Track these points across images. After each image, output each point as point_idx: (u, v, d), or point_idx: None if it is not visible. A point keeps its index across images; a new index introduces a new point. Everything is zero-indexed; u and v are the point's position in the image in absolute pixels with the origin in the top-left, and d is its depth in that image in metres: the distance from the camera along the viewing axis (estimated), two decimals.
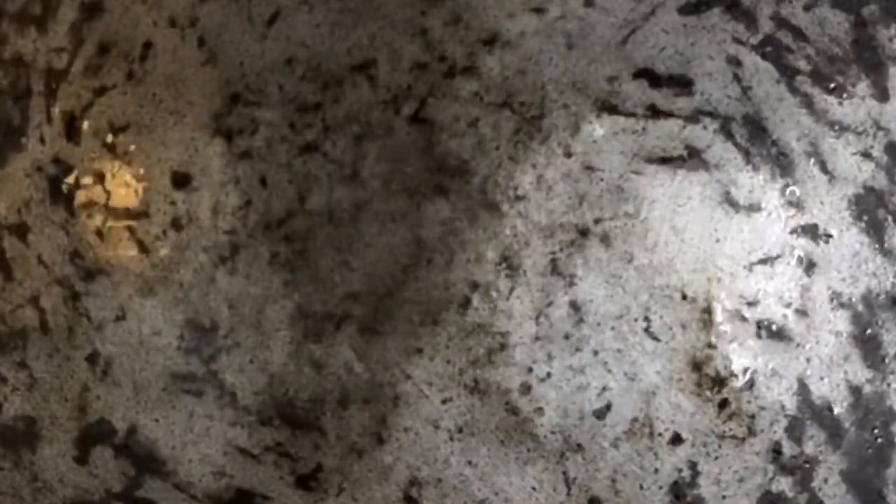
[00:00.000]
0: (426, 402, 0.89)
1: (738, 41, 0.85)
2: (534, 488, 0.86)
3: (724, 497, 0.83)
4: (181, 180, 0.89)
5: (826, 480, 0.80)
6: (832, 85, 0.81)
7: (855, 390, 0.80)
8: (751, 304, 0.85)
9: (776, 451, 0.82)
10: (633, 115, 0.89)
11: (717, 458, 0.84)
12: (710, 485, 0.83)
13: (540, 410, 0.88)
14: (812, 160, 0.83)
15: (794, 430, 0.82)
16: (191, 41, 0.88)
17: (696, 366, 0.86)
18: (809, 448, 0.81)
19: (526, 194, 0.91)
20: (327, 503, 0.86)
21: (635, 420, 0.86)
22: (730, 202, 0.87)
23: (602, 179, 0.90)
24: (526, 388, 0.89)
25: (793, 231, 0.84)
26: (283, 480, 0.86)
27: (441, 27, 0.91)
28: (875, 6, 0.78)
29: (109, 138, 0.86)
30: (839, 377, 0.81)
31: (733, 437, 0.84)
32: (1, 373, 0.78)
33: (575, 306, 0.89)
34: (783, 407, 0.83)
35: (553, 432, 0.87)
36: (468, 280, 0.91)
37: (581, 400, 0.88)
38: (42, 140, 0.81)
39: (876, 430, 0.78)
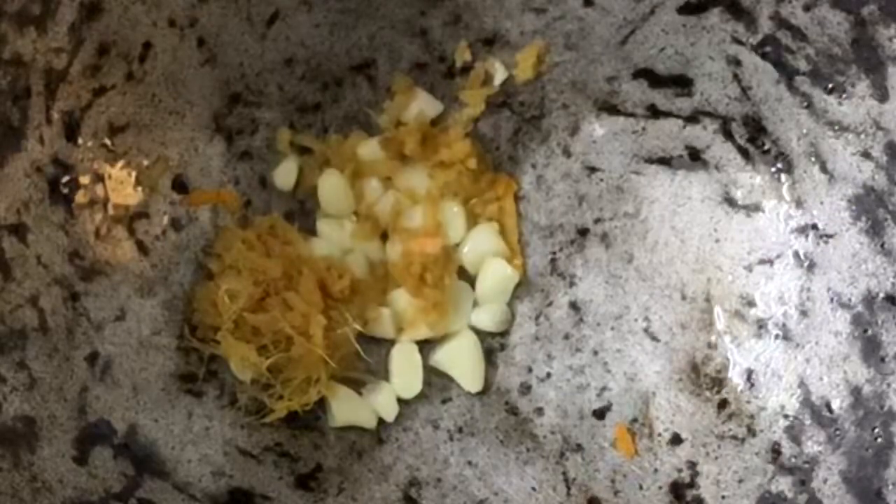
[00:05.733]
0: (426, 401, 0.89)
1: (737, 41, 0.85)
2: (533, 488, 0.86)
3: (723, 497, 0.83)
4: (181, 180, 0.89)
5: (826, 480, 0.80)
6: (832, 85, 0.81)
7: (855, 390, 0.80)
8: (751, 304, 0.85)
9: (776, 451, 0.82)
10: (633, 115, 0.89)
11: (716, 458, 0.84)
12: (710, 485, 0.83)
13: (540, 410, 0.88)
14: (812, 160, 0.83)
15: (794, 430, 0.82)
16: (190, 41, 0.88)
17: (696, 366, 0.86)
18: (809, 448, 0.81)
19: (526, 194, 0.91)
20: (327, 503, 0.86)
21: (635, 420, 0.86)
22: (730, 202, 0.87)
23: (602, 179, 0.90)
24: (526, 388, 0.89)
25: (793, 231, 0.84)
26: (282, 480, 0.86)
27: (441, 27, 0.91)
28: (875, 6, 0.78)
29: (109, 138, 0.86)
30: (839, 377, 0.81)
31: (733, 437, 0.84)
32: (0, 373, 0.78)
33: (575, 306, 0.89)
34: (783, 407, 0.83)
35: (553, 432, 0.87)
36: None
37: (581, 400, 0.88)
38: (41, 140, 0.81)
39: (876, 430, 0.78)
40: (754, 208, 0.86)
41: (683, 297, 0.87)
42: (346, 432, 0.88)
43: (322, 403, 0.87)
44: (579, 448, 0.87)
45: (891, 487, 0.77)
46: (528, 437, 0.88)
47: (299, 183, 0.91)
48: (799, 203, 0.84)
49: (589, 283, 0.89)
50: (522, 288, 0.90)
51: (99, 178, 0.86)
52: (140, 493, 0.82)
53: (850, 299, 0.81)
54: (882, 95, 0.79)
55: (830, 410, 0.81)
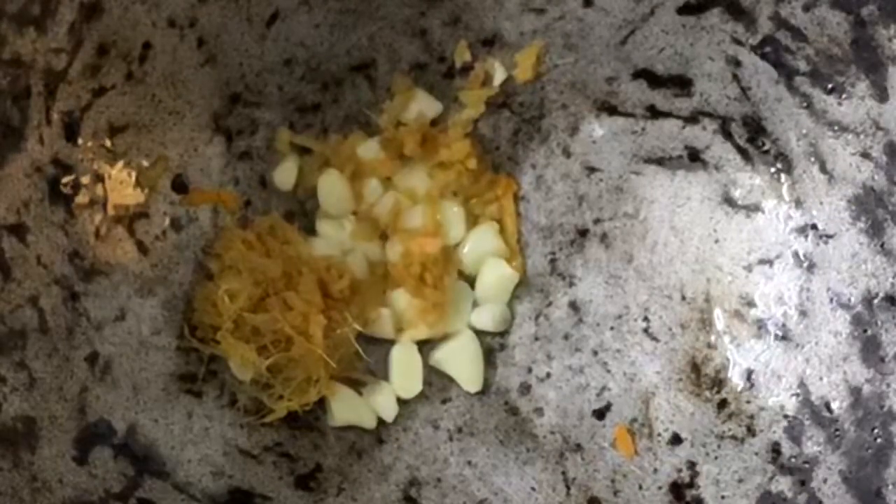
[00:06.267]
0: (426, 402, 0.89)
1: (737, 41, 0.85)
2: (533, 488, 0.86)
3: (723, 497, 0.83)
4: (181, 180, 0.89)
5: (825, 480, 0.80)
6: (831, 85, 0.81)
7: (854, 390, 0.80)
8: (750, 304, 0.85)
9: (776, 451, 0.82)
10: (632, 115, 0.89)
11: (716, 458, 0.84)
12: (710, 485, 0.83)
13: (539, 410, 0.88)
14: (812, 160, 0.83)
15: (794, 430, 0.82)
16: (190, 42, 0.88)
17: (696, 366, 0.86)
18: (809, 448, 0.81)
19: (525, 194, 0.91)
20: (327, 503, 0.86)
21: (635, 420, 0.86)
22: (729, 202, 0.87)
23: (601, 179, 0.90)
24: (526, 388, 0.89)
25: (792, 231, 0.84)
26: (282, 480, 0.86)
27: (441, 27, 0.91)
28: (875, 6, 0.78)
29: (109, 138, 0.86)
30: (839, 377, 0.81)
31: (733, 437, 0.84)
32: (0, 373, 0.78)
33: (575, 306, 0.89)
34: (783, 407, 0.83)
35: (552, 432, 0.87)
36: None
37: (581, 400, 0.88)
38: (41, 140, 0.81)
39: (875, 430, 0.78)
40: (754, 208, 0.86)
41: (683, 298, 0.87)
42: (346, 432, 0.88)
43: (322, 403, 0.87)
44: (579, 448, 0.87)
45: (891, 487, 0.77)
46: (528, 437, 0.88)
47: (299, 183, 0.91)
48: (799, 203, 0.84)
49: (589, 283, 0.89)
50: (522, 288, 0.90)
51: (99, 178, 0.86)
52: (140, 493, 0.82)
53: (849, 299, 0.81)
54: (882, 95, 0.79)
55: (830, 410, 0.81)
